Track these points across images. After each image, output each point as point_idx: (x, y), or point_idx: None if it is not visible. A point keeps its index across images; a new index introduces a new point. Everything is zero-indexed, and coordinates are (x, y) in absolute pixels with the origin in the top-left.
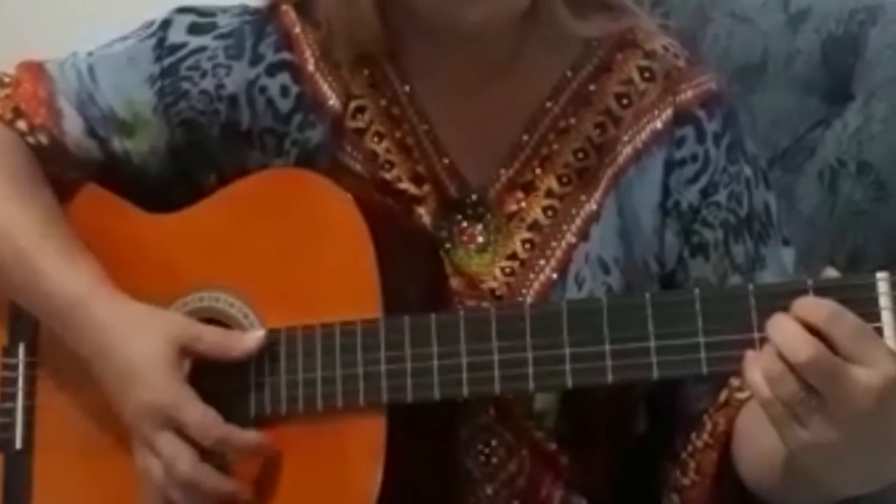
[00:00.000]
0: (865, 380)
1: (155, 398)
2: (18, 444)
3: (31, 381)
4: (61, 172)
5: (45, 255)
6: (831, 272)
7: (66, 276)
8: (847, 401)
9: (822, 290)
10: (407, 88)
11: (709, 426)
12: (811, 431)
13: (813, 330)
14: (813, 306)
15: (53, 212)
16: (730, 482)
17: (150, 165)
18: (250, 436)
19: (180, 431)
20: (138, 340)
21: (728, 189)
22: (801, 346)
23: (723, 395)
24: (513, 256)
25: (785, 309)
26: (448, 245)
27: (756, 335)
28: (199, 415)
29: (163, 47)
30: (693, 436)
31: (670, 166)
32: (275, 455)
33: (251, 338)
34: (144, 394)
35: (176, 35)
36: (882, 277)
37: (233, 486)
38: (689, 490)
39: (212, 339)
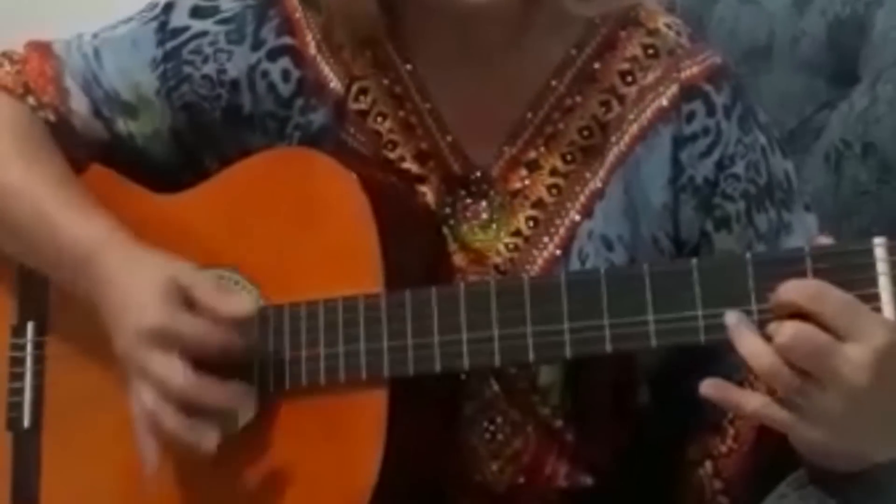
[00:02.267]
0: (857, 355)
1: (148, 319)
2: (27, 423)
3: (39, 361)
4: (68, 149)
5: (59, 207)
6: (824, 240)
7: (83, 225)
8: (841, 379)
9: (820, 258)
10: (409, 67)
11: None
12: (811, 415)
13: (800, 314)
14: (796, 288)
15: (66, 169)
16: (767, 450)
17: (154, 147)
18: (248, 338)
19: (174, 345)
20: (138, 273)
21: (745, 160)
22: (781, 328)
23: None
24: (517, 233)
25: (783, 277)
26: (452, 221)
27: (754, 302)
28: (197, 323)
29: (165, 31)
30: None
31: (680, 142)
32: (279, 429)
33: (242, 301)
34: (138, 318)
35: (178, 19)
36: (879, 243)
37: (237, 396)
38: (724, 458)
39: (207, 290)
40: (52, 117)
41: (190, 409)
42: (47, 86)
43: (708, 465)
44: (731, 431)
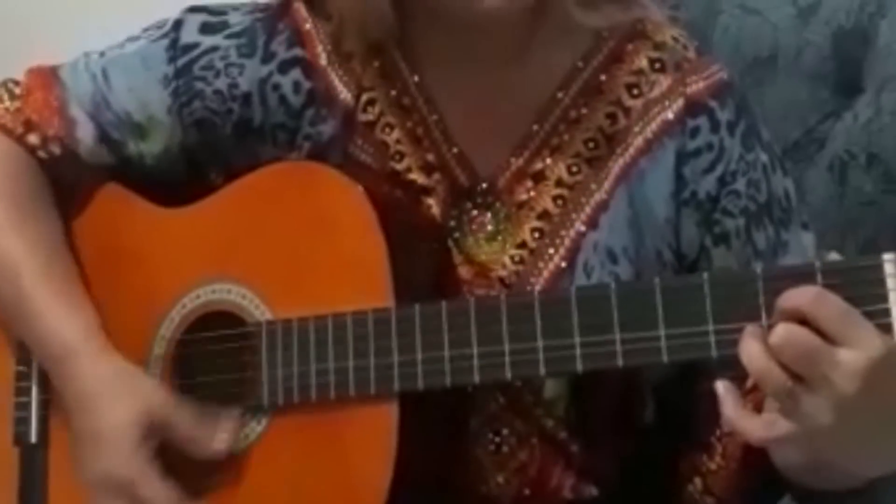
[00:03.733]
0: (849, 361)
1: (116, 470)
2: (34, 438)
3: (45, 375)
4: (73, 177)
5: (43, 297)
6: (834, 256)
7: (61, 324)
8: (832, 384)
9: (830, 273)
10: (416, 78)
11: None
12: (801, 421)
13: (800, 318)
14: (796, 293)
15: (57, 247)
16: (755, 467)
17: (163, 166)
18: None
19: None
20: (112, 408)
21: (746, 177)
22: (775, 329)
23: (750, 381)
24: (522, 245)
25: None
26: (458, 234)
27: (764, 318)
28: (159, 492)
29: (176, 48)
30: (721, 420)
31: (683, 157)
32: (288, 444)
33: (220, 439)
34: (106, 463)
35: (188, 35)
36: (889, 259)
37: None
38: (713, 474)
39: (184, 429)
40: (57, 150)
41: None
42: (52, 118)
43: (697, 481)
44: (720, 448)
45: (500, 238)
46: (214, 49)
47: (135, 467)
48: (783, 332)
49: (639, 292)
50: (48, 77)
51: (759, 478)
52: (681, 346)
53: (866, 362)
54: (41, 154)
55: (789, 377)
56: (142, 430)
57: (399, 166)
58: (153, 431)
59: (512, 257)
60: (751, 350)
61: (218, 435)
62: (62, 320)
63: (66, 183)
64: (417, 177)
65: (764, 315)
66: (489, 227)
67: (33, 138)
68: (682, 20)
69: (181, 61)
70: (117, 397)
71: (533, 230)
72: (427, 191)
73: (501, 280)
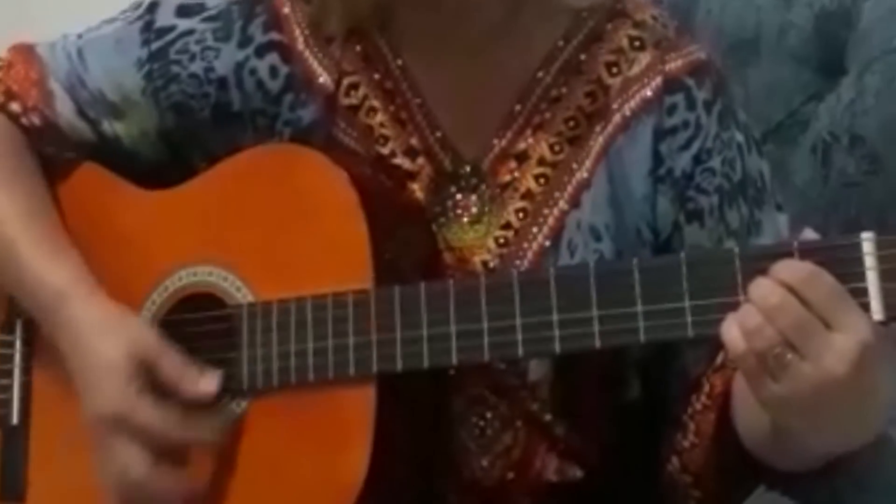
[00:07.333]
0: (841, 345)
1: (109, 405)
2: (15, 420)
3: (27, 357)
4: (57, 152)
5: (27, 246)
6: (809, 234)
7: (47, 270)
8: (821, 362)
9: (808, 252)
10: (399, 62)
11: (706, 388)
12: (783, 385)
13: (792, 292)
14: (790, 268)
15: (40, 200)
16: (728, 443)
17: (142, 148)
18: (209, 430)
19: (136, 436)
20: (102, 344)
21: (721, 155)
22: (771, 293)
23: (720, 358)
24: (507, 226)
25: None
26: (442, 220)
27: (741, 298)
28: (155, 418)
29: (150, 30)
30: (693, 398)
31: (660, 134)
32: (267, 426)
33: (207, 383)
34: (100, 400)
35: (164, 18)
36: (867, 238)
37: (189, 485)
38: (688, 452)
39: (171, 368)
40: (37, 121)
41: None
42: (31, 89)
43: (675, 460)
44: (692, 426)
45: (484, 220)
46: (190, 32)
47: (127, 399)
48: (780, 298)
49: (616, 272)
50: (28, 53)
51: (732, 454)
52: (658, 326)
53: (858, 347)
54: (23, 121)
55: (778, 341)
56: (131, 366)
57: (384, 150)
58: (142, 368)
59: (496, 239)
60: (745, 310)
61: (206, 379)
62: (50, 267)
63: (46, 160)
64: (402, 161)
65: (741, 295)
66: (474, 210)
67: (15, 106)
68: (664, 1)
69: (155, 45)
70: (107, 335)
71: (517, 210)
72: (411, 175)
73: (485, 264)
